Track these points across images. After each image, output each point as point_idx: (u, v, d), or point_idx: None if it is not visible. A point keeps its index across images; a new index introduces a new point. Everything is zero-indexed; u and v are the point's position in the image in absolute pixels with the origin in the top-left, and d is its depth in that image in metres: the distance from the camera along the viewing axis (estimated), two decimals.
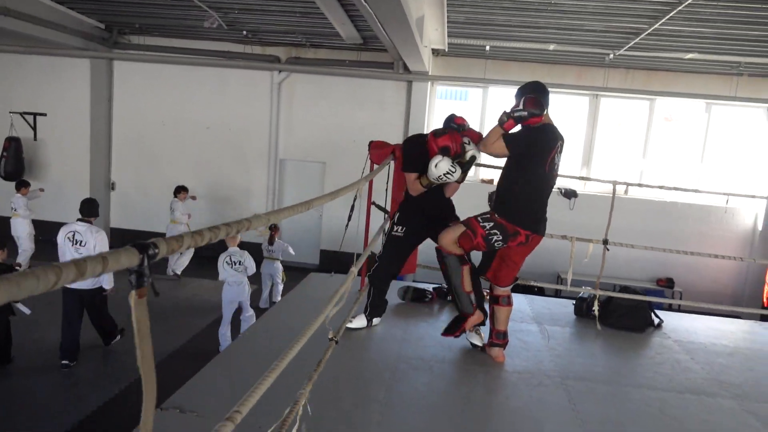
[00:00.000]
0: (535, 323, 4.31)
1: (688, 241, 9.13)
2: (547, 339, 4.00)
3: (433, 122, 10.15)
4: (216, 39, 9.96)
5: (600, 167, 9.74)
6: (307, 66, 9.90)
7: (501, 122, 3.19)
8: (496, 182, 10.01)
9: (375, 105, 9.99)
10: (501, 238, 3.26)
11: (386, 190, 4.24)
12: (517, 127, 3.23)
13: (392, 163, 4.18)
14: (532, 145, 3.21)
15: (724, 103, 9.25)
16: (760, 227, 9.14)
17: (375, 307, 3.85)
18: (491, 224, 3.26)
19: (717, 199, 9.21)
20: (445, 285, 4.71)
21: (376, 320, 3.89)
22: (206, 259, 8.69)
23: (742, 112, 9.44)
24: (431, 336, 3.87)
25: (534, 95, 3.16)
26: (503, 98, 10.00)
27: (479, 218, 3.33)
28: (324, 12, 7.40)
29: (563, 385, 3.26)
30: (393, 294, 4.52)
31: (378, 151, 4.26)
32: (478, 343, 3.60)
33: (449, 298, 4.35)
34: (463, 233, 3.34)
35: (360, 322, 3.80)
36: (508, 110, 3.17)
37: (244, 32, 9.39)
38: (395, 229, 3.67)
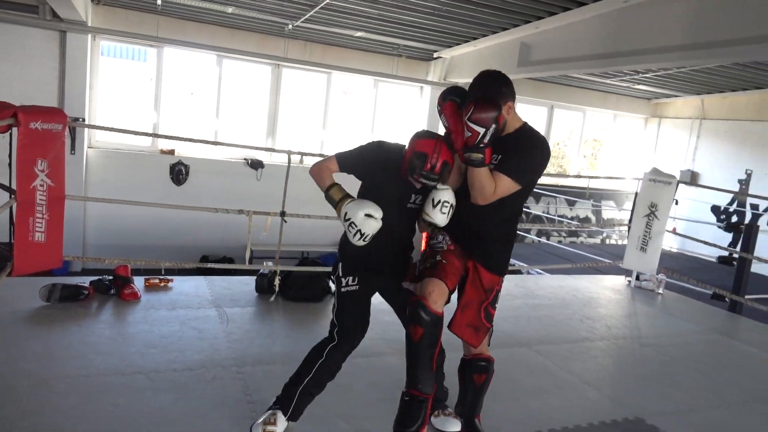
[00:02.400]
0: (213, 307, 3.99)
1: None
2: (226, 323, 3.72)
3: (97, 83, 8.73)
4: None
5: (284, 137, 9.87)
6: None
7: (477, 162, 2.16)
8: (178, 153, 9.39)
9: (16, 57, 8.04)
10: None
11: (9, 165, 3.29)
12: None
13: (16, 130, 3.26)
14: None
15: (388, 80, 10.31)
16: None
17: (301, 402, 2.46)
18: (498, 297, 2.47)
19: None
20: (107, 278, 4.00)
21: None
22: None
23: (402, 89, 10.68)
24: (87, 343, 3.20)
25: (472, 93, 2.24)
26: (181, 62, 9.22)
27: (491, 305, 2.42)
28: None
29: (239, 374, 3.04)
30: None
31: None
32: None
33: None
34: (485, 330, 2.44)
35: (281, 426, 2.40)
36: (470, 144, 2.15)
37: None
38: (344, 282, 2.42)
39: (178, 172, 8.90)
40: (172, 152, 8.98)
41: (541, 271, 7.31)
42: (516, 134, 2.32)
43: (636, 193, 5.68)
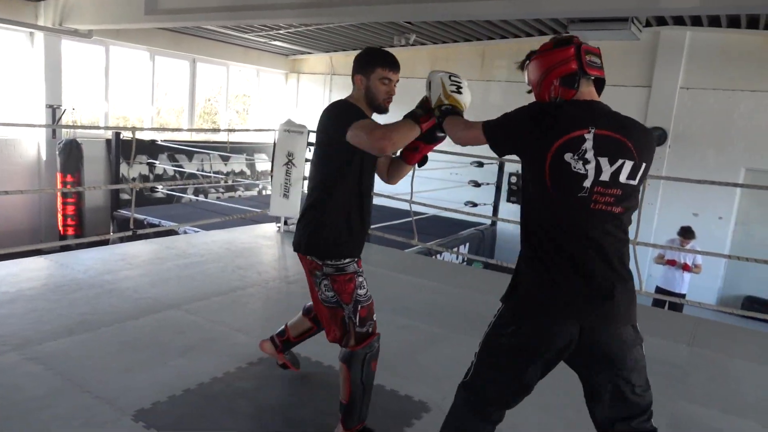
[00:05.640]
0: None
1: None
2: None
3: None
4: None
5: None
6: None
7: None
8: None
9: None
10: None
11: None
12: None
13: None
14: None
15: None
16: (44, 157, 9.05)
17: None
18: None
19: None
20: None
21: None
22: None
23: (6, 36, 8.77)
24: None
25: None
26: None
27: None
28: None
29: None
30: None
31: None
32: None
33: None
34: None
35: None
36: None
37: None
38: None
39: None
40: None
41: (197, 229, 7.19)
42: None
43: (274, 144, 5.99)
